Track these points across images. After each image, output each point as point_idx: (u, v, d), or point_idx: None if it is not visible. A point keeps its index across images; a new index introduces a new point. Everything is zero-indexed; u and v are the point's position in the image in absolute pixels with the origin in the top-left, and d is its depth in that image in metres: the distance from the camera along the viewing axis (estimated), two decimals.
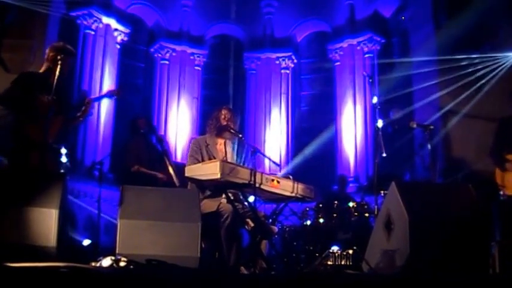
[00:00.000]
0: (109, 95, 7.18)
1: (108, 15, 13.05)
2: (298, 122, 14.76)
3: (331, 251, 7.31)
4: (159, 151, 8.22)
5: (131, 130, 8.50)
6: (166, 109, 14.02)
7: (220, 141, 6.32)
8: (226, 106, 6.50)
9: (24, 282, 3.00)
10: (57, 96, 5.83)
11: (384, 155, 6.93)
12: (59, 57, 5.96)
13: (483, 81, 11.13)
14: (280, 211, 6.47)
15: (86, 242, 9.19)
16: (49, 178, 5.01)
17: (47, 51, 6.17)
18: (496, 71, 10.84)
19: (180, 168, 7.18)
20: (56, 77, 5.78)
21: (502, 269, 6.95)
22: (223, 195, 5.73)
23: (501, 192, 7.28)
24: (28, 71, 6.50)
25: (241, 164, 6.03)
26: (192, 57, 14.47)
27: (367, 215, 8.97)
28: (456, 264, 4.75)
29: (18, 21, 10.53)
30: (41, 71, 6.15)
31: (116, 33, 13.32)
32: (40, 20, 11.04)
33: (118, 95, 6.98)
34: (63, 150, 7.36)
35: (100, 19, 12.86)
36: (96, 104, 7.06)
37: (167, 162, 7.92)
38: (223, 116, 6.31)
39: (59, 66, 5.86)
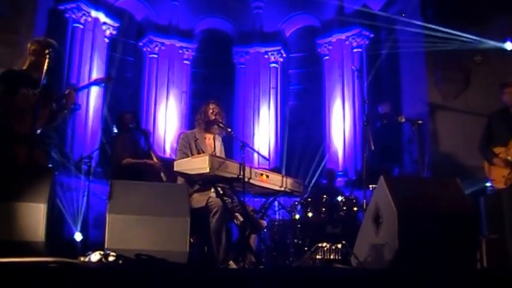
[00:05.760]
0: (97, 82, 7.15)
1: (97, 8, 12.98)
2: (286, 116, 14.76)
3: (320, 245, 7.34)
4: (145, 146, 8.21)
5: (118, 126, 8.47)
6: (155, 103, 13.99)
7: (209, 135, 6.33)
8: (214, 100, 6.48)
9: (12, 278, 2.99)
10: (44, 90, 5.79)
11: (373, 149, 6.97)
12: (47, 51, 5.92)
13: (471, 75, 11.20)
14: (269, 205, 6.49)
15: (78, 237, 9.19)
16: (37, 172, 4.99)
17: (29, 45, 6.10)
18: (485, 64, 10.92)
19: (168, 163, 7.16)
20: (44, 71, 5.74)
21: (489, 263, 7.01)
22: (212, 190, 5.74)
23: (489, 185, 7.31)
24: (11, 69, 6.43)
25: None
26: (181, 51, 14.45)
27: (355, 209, 9.01)
28: (444, 258, 4.78)
29: (6, 15, 10.48)
30: (24, 67, 6.10)
31: (104, 27, 13.25)
32: (28, 13, 10.98)
33: (108, 81, 6.89)
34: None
35: (88, 13, 12.79)
36: (83, 92, 6.95)
37: (154, 158, 7.92)
38: (211, 111, 6.31)
39: (47, 61, 5.82)
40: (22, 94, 5.80)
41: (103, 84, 7.47)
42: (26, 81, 5.83)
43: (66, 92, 6.16)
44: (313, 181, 12.28)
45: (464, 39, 10.56)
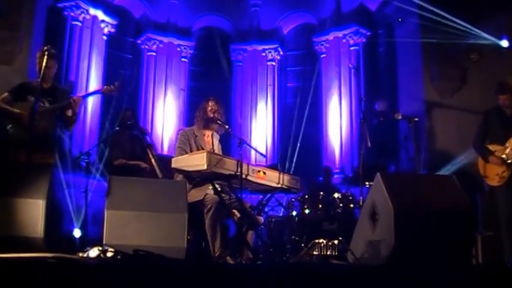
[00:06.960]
0: (99, 92, 7.21)
1: (95, 6, 13.00)
2: (284, 113, 14.79)
3: (317, 241, 7.36)
4: (143, 144, 8.24)
5: (119, 124, 8.54)
6: (153, 101, 14.02)
7: (208, 133, 6.36)
8: (213, 98, 6.50)
9: (11, 273, 3.01)
10: (50, 95, 5.97)
11: (369, 146, 7.00)
12: (45, 47, 6.06)
13: (468, 73, 11.23)
14: (267, 202, 6.50)
15: (77, 233, 9.21)
16: (36, 169, 5.02)
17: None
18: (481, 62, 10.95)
19: (165, 160, 7.19)
20: (43, 67, 5.86)
21: (484, 259, 7.05)
22: (210, 184, 5.76)
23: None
24: (25, 81, 6.60)
25: None
26: (178, 49, 14.47)
27: (352, 206, 9.03)
28: (440, 254, 4.81)
29: (5, 13, 10.52)
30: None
31: (102, 25, 13.27)
32: (27, 11, 11.02)
33: (111, 91, 6.87)
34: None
35: (87, 10, 12.82)
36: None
37: (150, 155, 7.96)
38: (210, 108, 6.33)
39: (45, 58, 5.93)
40: (28, 103, 5.94)
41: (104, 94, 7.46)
42: (34, 91, 5.92)
43: (71, 100, 6.24)
44: (309, 178, 12.29)
45: (462, 32, 10.60)
